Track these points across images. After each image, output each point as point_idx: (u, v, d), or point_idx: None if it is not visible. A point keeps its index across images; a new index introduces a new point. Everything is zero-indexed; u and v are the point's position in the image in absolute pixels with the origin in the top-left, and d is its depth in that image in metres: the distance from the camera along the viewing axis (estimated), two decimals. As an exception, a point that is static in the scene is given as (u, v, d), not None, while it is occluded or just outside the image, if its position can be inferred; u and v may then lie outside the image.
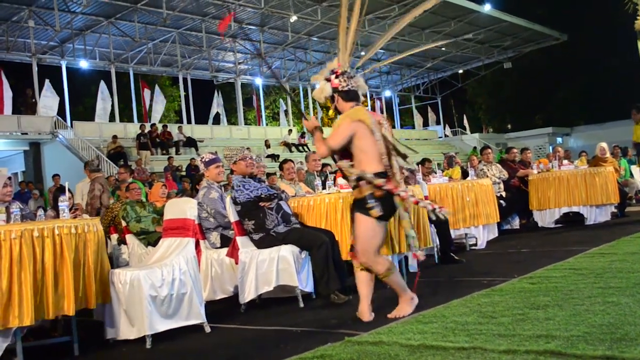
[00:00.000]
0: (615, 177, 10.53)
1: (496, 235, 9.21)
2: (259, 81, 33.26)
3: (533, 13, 34.69)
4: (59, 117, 22.78)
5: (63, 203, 4.63)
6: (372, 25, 28.04)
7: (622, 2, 10.45)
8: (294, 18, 25.66)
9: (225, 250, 6.01)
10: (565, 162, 11.26)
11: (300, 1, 24.80)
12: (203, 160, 6.51)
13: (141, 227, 7.14)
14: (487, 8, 28.57)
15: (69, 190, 6.18)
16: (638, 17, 10.10)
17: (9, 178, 5.18)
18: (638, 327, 3.45)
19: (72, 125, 23.19)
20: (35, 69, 23.49)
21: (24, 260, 4.04)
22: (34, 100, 22.76)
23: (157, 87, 28.31)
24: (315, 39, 30.07)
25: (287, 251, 5.52)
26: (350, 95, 4.60)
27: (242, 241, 5.75)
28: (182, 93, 29.92)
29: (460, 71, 39.91)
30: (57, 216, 4.86)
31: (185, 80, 29.46)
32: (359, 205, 4.48)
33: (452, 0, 26.43)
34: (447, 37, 31.20)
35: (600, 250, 6.93)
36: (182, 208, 5.10)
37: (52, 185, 16.91)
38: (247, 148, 22.39)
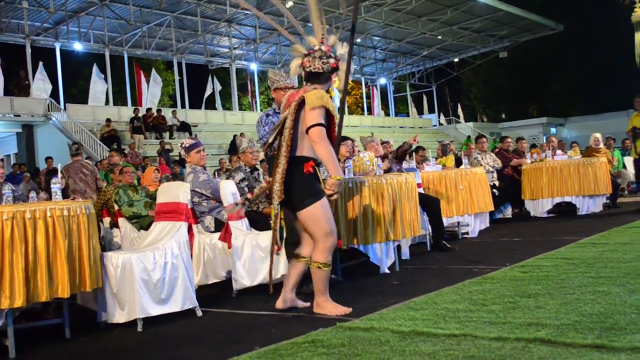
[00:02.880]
0: (608, 168, 10.56)
1: (487, 225, 9.25)
2: (254, 67, 33.15)
3: (530, 2, 34.64)
4: (52, 100, 22.68)
5: (55, 185, 4.62)
6: (368, 12, 27.93)
7: (619, -7, 10.43)
8: (289, 4, 25.54)
9: (218, 234, 6.01)
10: (558, 152, 11.28)
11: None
12: (183, 146, 6.58)
13: (133, 211, 7.12)
14: (483, -4, 28.54)
15: (61, 172, 6.15)
16: (635, 9, 10.06)
17: (1, 160, 5.15)
18: (627, 316, 3.47)
19: (65, 108, 23.09)
20: (28, 50, 23.35)
21: (16, 242, 4.03)
22: (27, 82, 22.63)
23: (153, 71, 28.17)
24: (310, 25, 29.88)
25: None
26: (309, 77, 4.48)
27: (235, 225, 5.74)
28: (177, 77, 29.80)
29: (456, 60, 39.87)
30: (49, 198, 4.84)
31: (180, 64, 29.34)
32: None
33: (449, -12, 26.41)
34: (444, 25, 31.17)
35: (592, 240, 6.96)
36: (175, 192, 5.09)
37: (45, 167, 16.86)
38: (241, 134, 22.34)
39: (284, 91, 5.16)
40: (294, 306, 4.65)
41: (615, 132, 16.96)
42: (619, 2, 10.37)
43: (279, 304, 4.65)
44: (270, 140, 4.58)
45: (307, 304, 4.62)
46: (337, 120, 4.59)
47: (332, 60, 4.45)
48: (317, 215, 4.29)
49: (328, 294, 4.46)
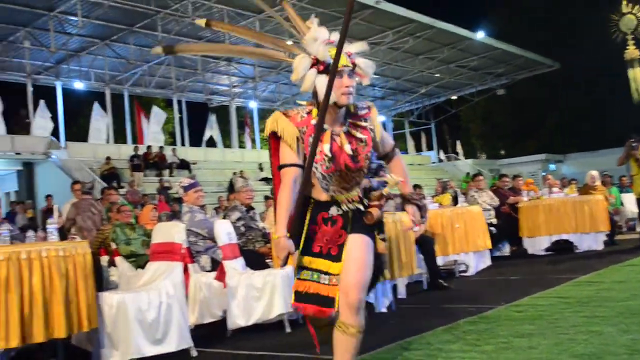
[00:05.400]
0: (605, 205, 10.60)
1: (489, 263, 9.25)
2: (253, 104, 33.37)
3: (526, 41, 35.02)
4: (53, 138, 22.80)
5: (51, 225, 4.65)
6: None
7: (612, 31, 10.60)
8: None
9: (214, 273, 6.02)
10: (555, 189, 11.31)
11: (295, 27, 24.94)
12: (182, 185, 6.64)
13: (131, 249, 7.14)
14: (480, 35, 28.83)
15: (58, 211, 6.20)
16: (627, 48, 10.23)
17: (-2, 200, 5.20)
18: (619, 357, 3.49)
19: (65, 146, 23.21)
20: (30, 89, 23.55)
21: (11, 283, 4.06)
22: (28, 120, 22.78)
23: (155, 108, 28.33)
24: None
25: (279, 276, 5.54)
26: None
27: (230, 265, 5.76)
28: (177, 115, 29.99)
29: (454, 97, 40.13)
30: (46, 238, 4.88)
31: (179, 102, 29.55)
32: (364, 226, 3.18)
33: (446, 28, 26.70)
34: (441, 63, 31.45)
35: (588, 279, 6.98)
36: (170, 232, 5.13)
37: (44, 205, 16.88)
38: (241, 172, 22.37)
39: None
40: None
41: (614, 169, 17.02)
42: (614, 40, 10.54)
43: None
44: None
45: None
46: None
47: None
48: None
49: None
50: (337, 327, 3.02)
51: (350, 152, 3.07)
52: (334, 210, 3.15)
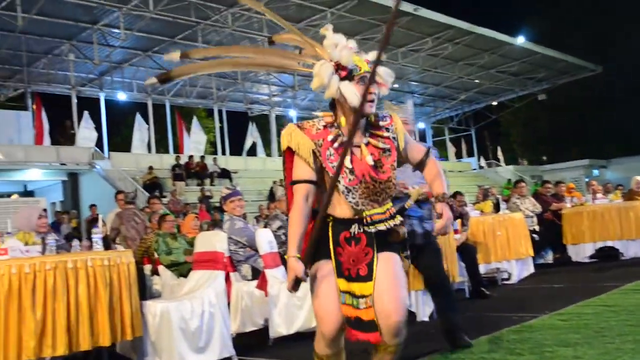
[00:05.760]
0: (651, 211, 10.37)
1: (532, 271, 9.12)
2: (292, 113, 33.54)
3: (567, 44, 34.54)
4: (97, 149, 23.25)
5: (96, 235, 4.74)
6: (406, 58, 28.16)
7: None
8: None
9: (256, 282, 6.06)
10: (599, 195, 11.11)
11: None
12: (222, 195, 6.71)
13: (171, 259, 7.22)
14: (520, 40, 28.52)
15: (102, 221, 6.31)
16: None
17: (44, 210, 5.32)
18: (668, 367, 3.41)
19: (109, 156, 23.65)
20: (74, 101, 24.04)
21: (58, 292, 4.16)
22: (72, 131, 23.28)
23: (195, 119, 28.70)
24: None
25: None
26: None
27: (271, 273, 5.79)
28: (217, 125, 30.31)
29: (494, 103, 39.75)
30: (91, 247, 4.97)
31: (220, 112, 29.87)
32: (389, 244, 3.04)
33: (485, 33, 26.48)
34: (481, 69, 31.20)
35: (635, 287, 6.84)
36: (212, 241, 5.19)
37: (88, 215, 17.20)
38: (281, 180, 22.52)
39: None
40: None
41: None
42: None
43: None
44: None
45: None
46: (327, 158, 2.98)
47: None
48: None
49: None
50: (378, 346, 2.94)
51: (372, 163, 2.94)
52: (355, 228, 2.96)
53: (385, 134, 3.05)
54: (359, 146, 2.97)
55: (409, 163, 3.19)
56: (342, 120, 2.97)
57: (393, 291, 2.88)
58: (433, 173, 3.18)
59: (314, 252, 2.92)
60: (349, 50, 2.91)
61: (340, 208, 2.95)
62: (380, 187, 2.97)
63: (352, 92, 2.86)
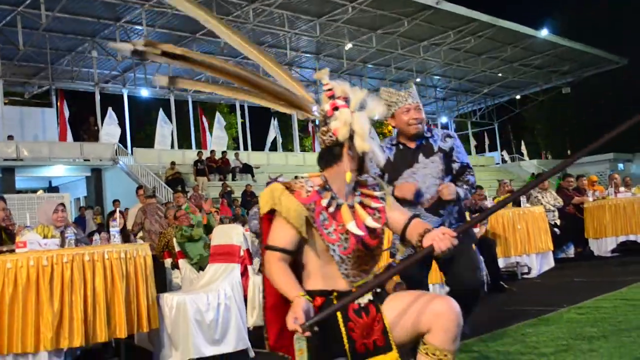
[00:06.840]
0: (675, 205, 10.23)
1: (552, 265, 9.04)
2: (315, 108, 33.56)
3: (592, 37, 34.15)
4: (120, 144, 23.49)
5: (114, 228, 4.80)
6: (427, 52, 28.04)
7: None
8: (349, 46, 25.87)
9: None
10: (622, 189, 10.98)
11: (355, 29, 25.00)
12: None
13: (199, 234, 7.36)
14: (544, 33, 28.28)
15: (120, 212, 6.38)
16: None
17: (62, 204, 5.39)
18: (683, 360, 3.38)
19: (132, 152, 23.88)
20: (97, 97, 24.28)
21: (75, 284, 4.21)
22: (96, 127, 23.52)
23: (217, 115, 28.84)
24: (370, 66, 30.22)
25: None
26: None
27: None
28: (240, 120, 30.43)
29: (518, 97, 39.46)
30: (109, 239, 5.03)
31: (242, 107, 29.98)
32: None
33: (508, 26, 26.29)
34: (504, 62, 30.97)
35: (656, 281, 6.76)
36: (229, 234, 5.22)
37: (112, 209, 17.37)
38: (302, 175, 22.72)
39: (406, 114, 3.91)
40: None
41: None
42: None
43: None
44: None
45: None
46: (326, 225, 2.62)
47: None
48: None
49: None
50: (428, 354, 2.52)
51: (373, 225, 2.63)
52: (362, 299, 2.58)
53: (375, 193, 2.76)
54: (352, 206, 2.67)
55: (389, 228, 2.79)
56: (348, 175, 2.62)
57: (443, 298, 2.58)
58: (419, 224, 2.69)
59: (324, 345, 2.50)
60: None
61: (341, 281, 2.60)
62: (371, 254, 2.67)
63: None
